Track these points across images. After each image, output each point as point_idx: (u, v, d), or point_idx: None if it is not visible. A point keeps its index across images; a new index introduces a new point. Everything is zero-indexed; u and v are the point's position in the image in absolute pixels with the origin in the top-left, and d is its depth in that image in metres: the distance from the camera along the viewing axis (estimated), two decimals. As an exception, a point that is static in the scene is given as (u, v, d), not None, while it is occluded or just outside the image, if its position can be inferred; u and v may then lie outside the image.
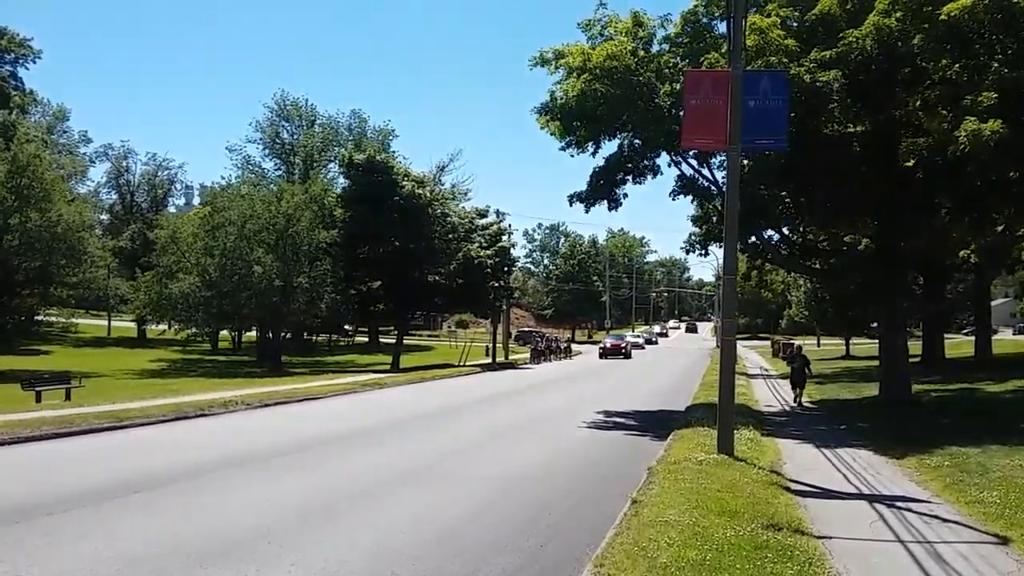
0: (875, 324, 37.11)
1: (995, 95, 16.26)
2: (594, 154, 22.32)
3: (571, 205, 23.07)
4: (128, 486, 10.56)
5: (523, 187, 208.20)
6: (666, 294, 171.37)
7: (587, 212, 23.44)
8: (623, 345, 58.64)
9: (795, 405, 23.40)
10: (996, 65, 17.16)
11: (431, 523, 8.91)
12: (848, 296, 41.65)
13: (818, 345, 68.64)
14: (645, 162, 22.47)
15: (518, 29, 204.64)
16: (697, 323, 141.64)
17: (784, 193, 22.75)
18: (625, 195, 22.86)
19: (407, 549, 7.85)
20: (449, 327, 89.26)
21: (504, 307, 55.15)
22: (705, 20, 21.18)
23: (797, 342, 55.98)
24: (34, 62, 61.21)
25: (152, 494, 10.21)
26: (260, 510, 9.42)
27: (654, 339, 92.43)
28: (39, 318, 48.87)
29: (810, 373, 25.04)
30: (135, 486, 10.57)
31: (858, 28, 18.19)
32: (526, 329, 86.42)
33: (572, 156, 22.40)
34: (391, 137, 64.69)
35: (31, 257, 38.48)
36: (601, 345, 60.57)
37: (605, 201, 22.60)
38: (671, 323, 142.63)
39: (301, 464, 12.83)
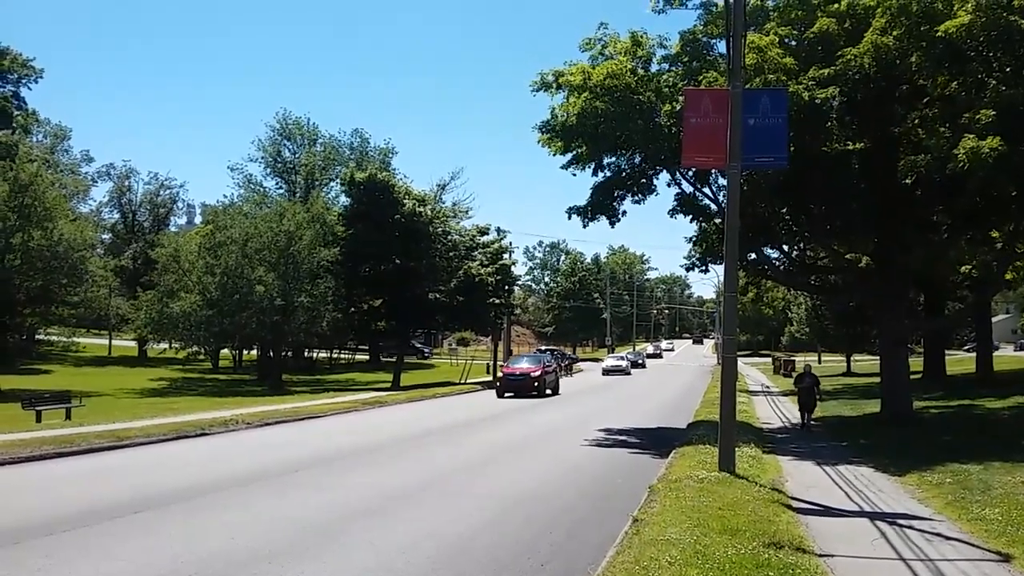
0: (876, 341, 37.03)
1: (993, 112, 16.35)
2: (595, 172, 22.51)
3: (570, 218, 23.35)
4: (128, 506, 10.54)
5: (524, 205, 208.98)
6: (667, 311, 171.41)
7: (585, 227, 23.63)
8: (535, 372, 34.92)
9: (798, 424, 22.79)
10: (994, 83, 17.25)
11: (432, 542, 8.88)
12: (849, 313, 41.74)
13: (819, 362, 68.56)
14: (644, 180, 22.59)
15: (520, 47, 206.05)
16: (703, 337, 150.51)
17: (784, 210, 22.81)
18: (624, 212, 23.08)
19: (408, 569, 7.82)
20: (450, 345, 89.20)
21: (505, 325, 55.12)
22: (704, 39, 21.33)
23: (800, 358, 56.00)
24: (36, 82, 61.45)
25: (152, 514, 10.19)
26: (261, 530, 9.40)
27: (641, 361, 74.52)
28: (40, 337, 48.89)
29: (819, 394, 23.01)
30: (135, 506, 10.55)
31: (856, 46, 18.31)
32: (543, 348, 77.12)
33: (575, 175, 22.57)
34: (392, 155, 65.03)
35: (32, 276, 38.49)
36: (502, 373, 36.76)
37: (604, 216, 22.75)
38: (664, 344, 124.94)
39: (302, 483, 12.81)
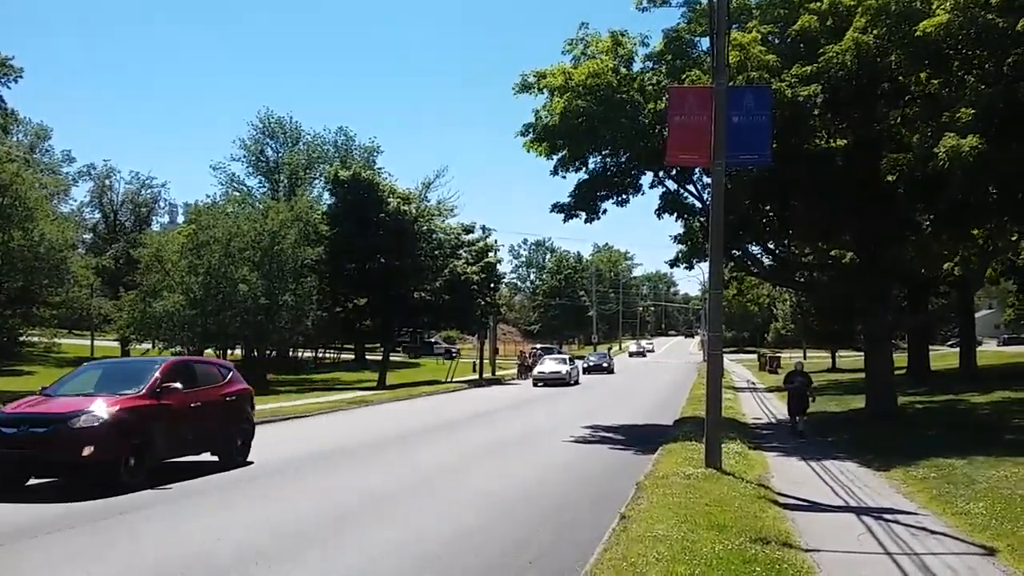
0: (861, 337, 37.26)
1: (973, 111, 16.46)
2: (579, 170, 22.56)
3: (552, 212, 23.60)
4: (113, 508, 10.46)
5: (509, 203, 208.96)
6: (653, 308, 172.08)
7: (565, 223, 23.84)
8: (94, 415, 11.50)
9: (786, 422, 21.38)
10: (973, 80, 17.37)
11: (420, 543, 8.85)
12: (833, 309, 41.97)
13: (804, 358, 68.80)
14: (628, 179, 22.63)
15: (506, 45, 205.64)
16: (691, 332, 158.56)
17: (768, 207, 22.91)
18: (604, 211, 23.33)
19: (396, 570, 7.80)
20: (436, 343, 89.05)
21: (491, 323, 55.11)
22: (687, 37, 21.37)
23: (786, 355, 56.30)
24: (16, 81, 60.50)
25: (137, 515, 10.11)
26: (245, 532, 9.34)
27: (607, 364, 56.88)
28: (21, 338, 48.32)
29: (812, 394, 20.84)
30: (118, 508, 10.47)
31: (838, 44, 18.39)
32: (539, 346, 73.01)
33: (564, 178, 22.67)
34: (376, 154, 64.81)
35: (13, 277, 38.13)
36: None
37: (585, 212, 22.87)
38: (645, 342, 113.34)
39: (286, 484, 12.76)
